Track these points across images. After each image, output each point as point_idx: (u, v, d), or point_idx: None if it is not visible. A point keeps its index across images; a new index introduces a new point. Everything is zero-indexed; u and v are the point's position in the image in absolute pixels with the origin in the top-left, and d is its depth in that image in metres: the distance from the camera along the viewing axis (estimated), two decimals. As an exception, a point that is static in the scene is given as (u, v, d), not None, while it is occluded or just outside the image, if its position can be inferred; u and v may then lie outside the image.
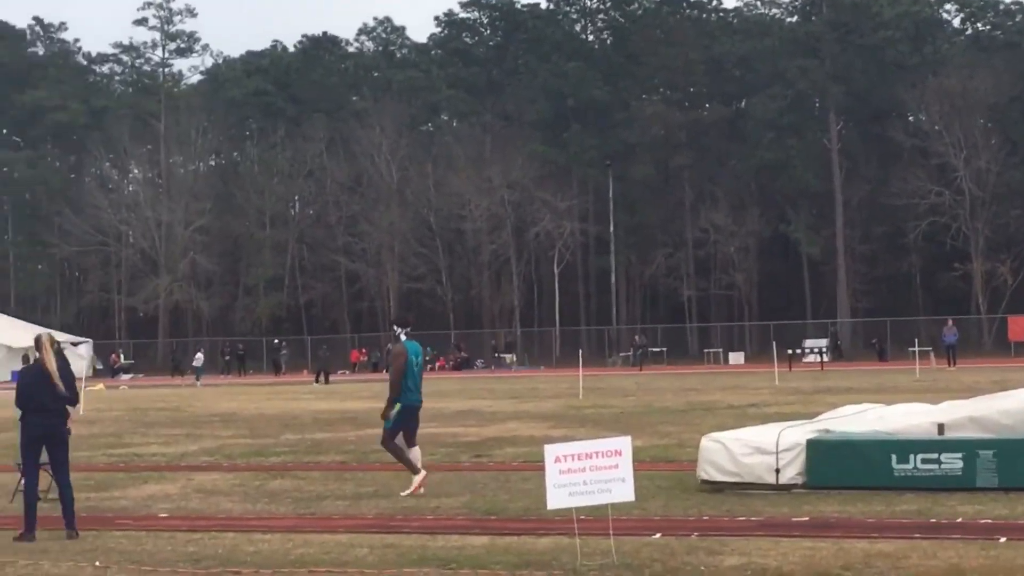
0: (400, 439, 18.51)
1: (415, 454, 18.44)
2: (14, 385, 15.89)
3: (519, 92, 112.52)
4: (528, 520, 15.30)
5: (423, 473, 18.22)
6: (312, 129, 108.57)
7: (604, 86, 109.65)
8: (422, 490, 17.96)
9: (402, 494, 17.94)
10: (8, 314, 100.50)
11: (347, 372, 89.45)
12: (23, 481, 15.41)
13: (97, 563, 13.02)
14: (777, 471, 16.70)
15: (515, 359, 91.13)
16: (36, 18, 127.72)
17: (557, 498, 12.46)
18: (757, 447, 16.94)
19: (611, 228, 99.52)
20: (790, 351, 69.95)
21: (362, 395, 49.79)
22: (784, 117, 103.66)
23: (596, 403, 39.21)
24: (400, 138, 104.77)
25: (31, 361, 15.67)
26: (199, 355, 79.82)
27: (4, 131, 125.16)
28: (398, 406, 18.34)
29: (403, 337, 18.81)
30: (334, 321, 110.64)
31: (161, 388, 66.87)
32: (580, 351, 57.38)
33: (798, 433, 17.07)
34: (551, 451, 12.62)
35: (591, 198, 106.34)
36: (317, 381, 67.12)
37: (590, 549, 12.65)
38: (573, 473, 12.35)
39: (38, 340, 15.58)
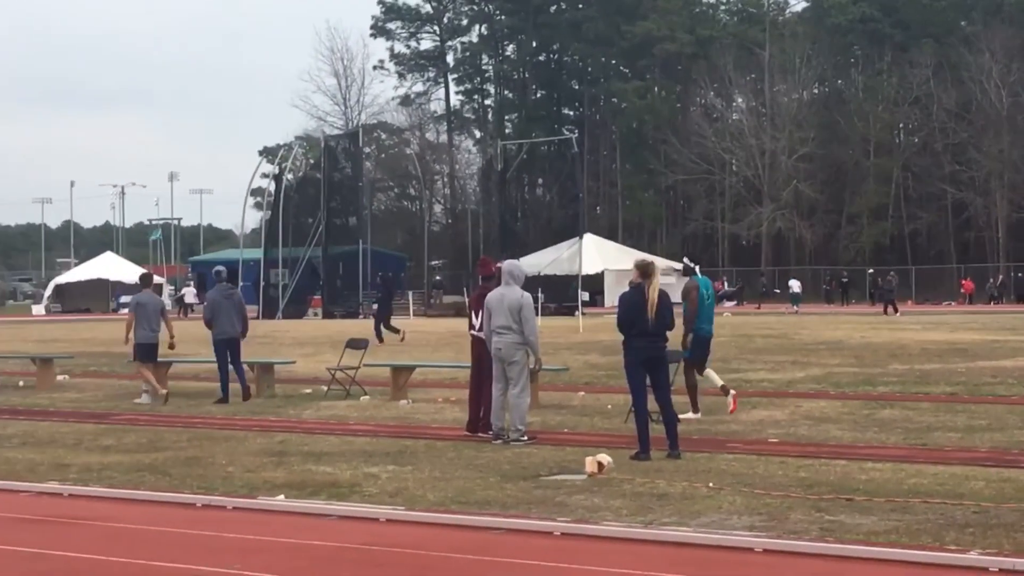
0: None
1: (711, 375, 19.91)
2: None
3: None
4: None
5: (699, 414, 19.41)
6: (919, 55, 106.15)
7: None
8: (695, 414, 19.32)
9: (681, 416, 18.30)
10: (616, 241, 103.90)
11: (952, 303, 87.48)
12: (633, 402, 15.85)
13: (711, 484, 13.29)
14: None
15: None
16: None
17: None
18: None
19: None
20: None
21: (971, 326, 48.60)
22: None
23: None
24: (1011, 63, 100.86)
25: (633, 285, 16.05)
26: (794, 282, 80.00)
27: (613, 62, 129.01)
28: (690, 336, 19.47)
29: (698, 273, 20.20)
30: (939, 251, 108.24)
31: (766, 315, 67.48)
32: None
33: None
34: None
35: None
36: (886, 312, 65.73)
37: None
38: None
39: (646, 267, 15.97)
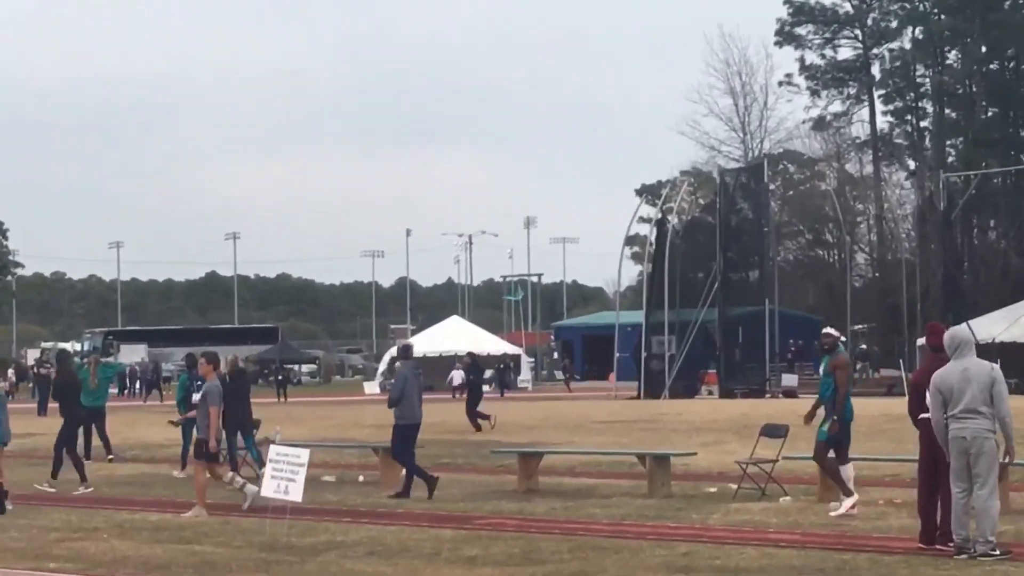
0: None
1: (848, 472, 21.50)
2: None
3: None
4: None
5: (855, 496, 21.26)
6: None
7: None
8: (855, 510, 20.99)
9: (831, 515, 21.01)
10: None
11: None
12: None
13: None
14: None
15: None
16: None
17: None
18: None
19: None
20: None
21: None
22: None
23: None
24: None
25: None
26: None
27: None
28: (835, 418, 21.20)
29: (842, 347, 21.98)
30: None
31: None
32: None
33: None
34: None
35: None
36: None
37: None
38: None
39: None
